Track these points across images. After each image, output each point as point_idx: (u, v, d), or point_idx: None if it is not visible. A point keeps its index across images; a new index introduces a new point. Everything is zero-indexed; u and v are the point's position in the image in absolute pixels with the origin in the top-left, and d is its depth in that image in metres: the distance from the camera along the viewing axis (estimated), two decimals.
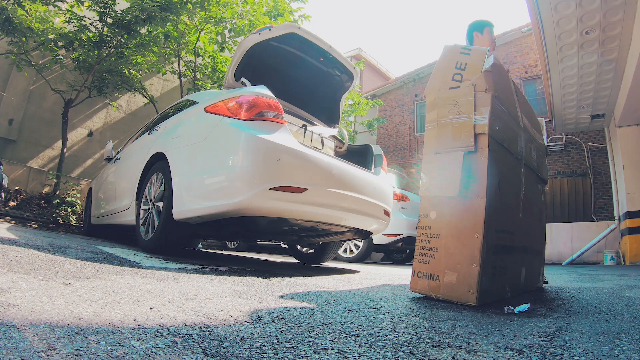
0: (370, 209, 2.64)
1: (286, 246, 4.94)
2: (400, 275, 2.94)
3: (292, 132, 2.36)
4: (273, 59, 3.06)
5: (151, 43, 6.65)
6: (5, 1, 5.89)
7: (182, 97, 6.82)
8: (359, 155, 3.18)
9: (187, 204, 2.24)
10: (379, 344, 0.87)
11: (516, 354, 0.83)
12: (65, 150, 6.80)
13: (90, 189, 4.98)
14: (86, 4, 6.04)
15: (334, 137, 3.28)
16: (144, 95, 7.73)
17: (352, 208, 2.50)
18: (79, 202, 6.72)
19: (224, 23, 6.71)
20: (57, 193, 6.60)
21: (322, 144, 3.15)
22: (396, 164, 11.52)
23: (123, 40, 6.45)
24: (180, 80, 7.42)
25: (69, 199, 6.60)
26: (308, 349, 0.79)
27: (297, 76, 3.28)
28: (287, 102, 3.26)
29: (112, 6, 6.03)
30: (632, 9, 4.25)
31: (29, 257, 1.59)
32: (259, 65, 2.98)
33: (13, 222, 5.14)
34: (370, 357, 0.77)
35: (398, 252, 6.84)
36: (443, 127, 1.68)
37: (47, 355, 0.59)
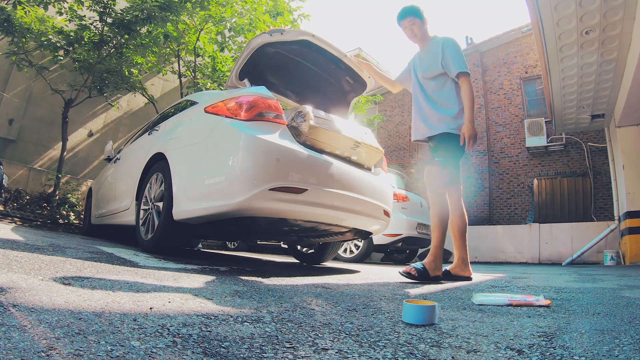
0: (370, 209, 2.64)
1: (286, 246, 4.94)
2: (400, 275, 2.93)
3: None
4: (281, 61, 3.01)
5: (151, 43, 6.64)
6: (5, 1, 5.90)
7: (182, 97, 6.82)
8: None
9: (187, 204, 2.24)
10: (379, 344, 0.87)
11: (516, 354, 0.83)
12: (65, 150, 6.80)
13: (90, 189, 4.98)
14: (86, 3, 6.04)
15: None
16: (144, 95, 7.72)
17: (352, 208, 2.50)
18: (77, 201, 6.72)
19: (224, 23, 6.71)
20: (57, 193, 6.60)
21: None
22: (396, 164, 11.52)
23: (123, 41, 6.44)
24: (180, 81, 7.42)
25: (71, 199, 6.60)
26: (308, 349, 0.79)
27: (305, 77, 3.24)
28: (292, 101, 3.25)
29: (112, 6, 6.03)
30: (632, 9, 4.24)
31: (29, 257, 1.59)
32: (266, 64, 2.95)
33: (13, 222, 5.14)
34: (370, 357, 0.77)
35: (398, 252, 6.84)
36: None
37: (47, 355, 0.59)
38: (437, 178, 2.38)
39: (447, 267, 2.48)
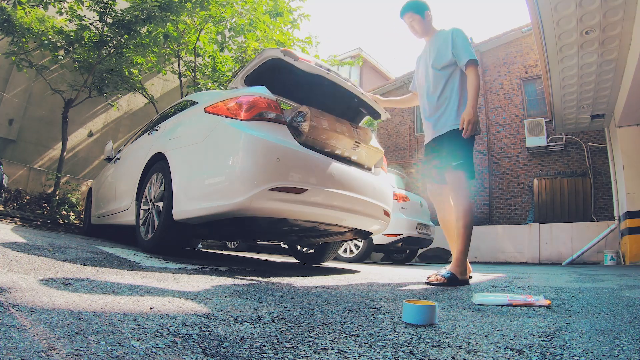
0: (370, 209, 2.64)
1: (286, 246, 4.94)
2: (400, 275, 2.94)
3: None
4: (291, 76, 2.86)
5: (151, 43, 6.65)
6: (5, 1, 5.90)
7: (182, 97, 6.82)
8: None
9: (187, 204, 2.24)
10: (379, 344, 0.87)
11: (516, 354, 0.83)
12: (65, 150, 6.80)
13: (90, 189, 4.98)
14: (86, 3, 6.04)
15: None
16: (144, 95, 7.73)
17: (352, 208, 2.50)
18: (77, 201, 6.72)
19: (224, 23, 6.71)
20: (57, 193, 6.60)
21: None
22: (396, 164, 11.53)
23: (123, 41, 6.45)
24: (180, 81, 7.42)
25: (71, 199, 6.60)
26: (308, 349, 0.79)
27: (316, 94, 3.10)
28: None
29: (112, 6, 6.03)
30: (632, 9, 4.25)
31: (29, 257, 1.59)
32: (274, 76, 2.85)
33: (13, 222, 5.14)
34: (370, 357, 0.77)
35: (398, 252, 6.84)
36: None
37: (47, 355, 0.59)
38: (462, 184, 2.26)
39: (446, 266, 2.48)
